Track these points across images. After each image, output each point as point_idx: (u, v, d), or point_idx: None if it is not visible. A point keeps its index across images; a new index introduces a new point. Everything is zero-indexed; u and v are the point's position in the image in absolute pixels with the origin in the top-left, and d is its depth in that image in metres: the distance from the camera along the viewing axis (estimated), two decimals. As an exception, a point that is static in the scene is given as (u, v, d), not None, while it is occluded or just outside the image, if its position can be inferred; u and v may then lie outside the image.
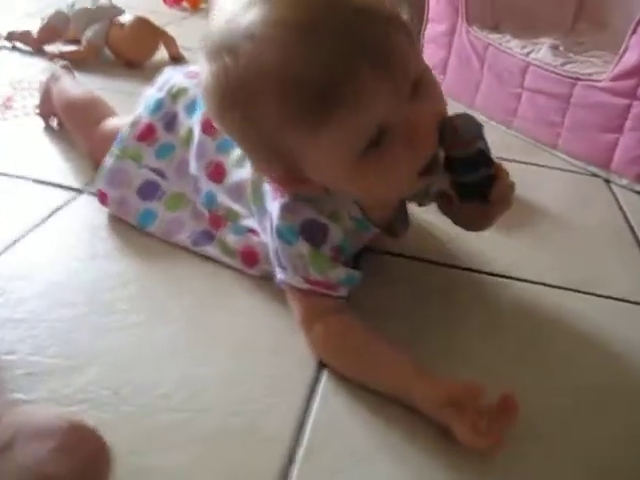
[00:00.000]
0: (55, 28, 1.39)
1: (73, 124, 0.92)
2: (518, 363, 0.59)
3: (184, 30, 1.71)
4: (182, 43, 1.47)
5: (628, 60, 0.95)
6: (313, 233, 0.56)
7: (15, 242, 0.69)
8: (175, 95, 0.74)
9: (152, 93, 0.77)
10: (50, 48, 1.39)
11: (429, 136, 0.50)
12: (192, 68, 0.77)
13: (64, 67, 1.02)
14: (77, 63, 1.30)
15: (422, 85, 0.49)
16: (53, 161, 0.90)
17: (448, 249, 0.76)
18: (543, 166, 1.07)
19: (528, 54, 1.12)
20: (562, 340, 0.63)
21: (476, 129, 0.53)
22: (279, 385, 0.53)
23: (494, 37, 1.20)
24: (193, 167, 0.71)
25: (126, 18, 1.35)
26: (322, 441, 0.48)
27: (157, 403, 0.49)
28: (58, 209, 0.77)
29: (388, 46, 0.46)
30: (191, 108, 0.72)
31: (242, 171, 0.65)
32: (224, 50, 0.47)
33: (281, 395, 0.52)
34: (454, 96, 1.29)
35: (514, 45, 1.16)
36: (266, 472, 0.44)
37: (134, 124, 0.75)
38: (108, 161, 0.74)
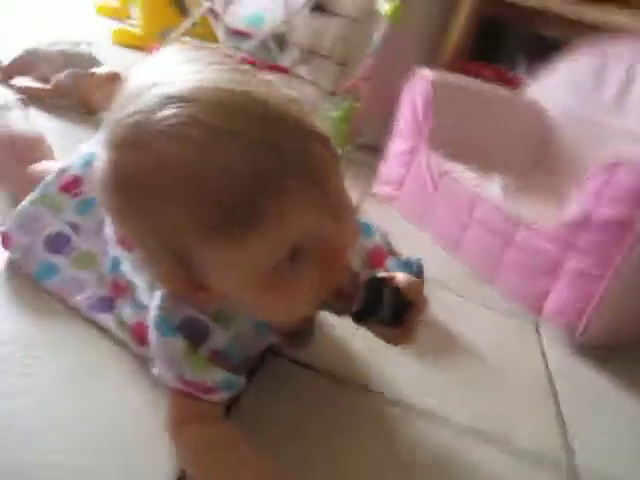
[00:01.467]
0: (27, 62, 1.38)
1: (5, 159, 0.87)
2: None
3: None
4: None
5: (571, 214, 0.97)
6: (192, 332, 0.51)
7: None
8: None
9: (88, 147, 0.73)
10: (17, 81, 1.37)
11: (342, 262, 0.48)
12: None
13: (20, 100, 0.99)
14: (38, 100, 1.29)
15: (343, 207, 0.47)
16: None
17: (360, 367, 0.72)
18: (477, 302, 1.06)
19: (478, 188, 1.15)
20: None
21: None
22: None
23: (449, 165, 1.23)
24: (108, 229, 0.66)
25: (101, 69, 1.35)
26: None
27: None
28: None
29: (314, 161, 0.43)
30: None
31: None
32: (135, 142, 0.42)
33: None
34: (406, 215, 1.31)
35: (467, 176, 1.19)
36: None
37: (61, 173, 0.71)
38: (24, 204, 0.70)
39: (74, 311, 0.64)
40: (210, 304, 0.51)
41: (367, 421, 0.64)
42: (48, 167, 0.76)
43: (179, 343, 0.50)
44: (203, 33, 2.07)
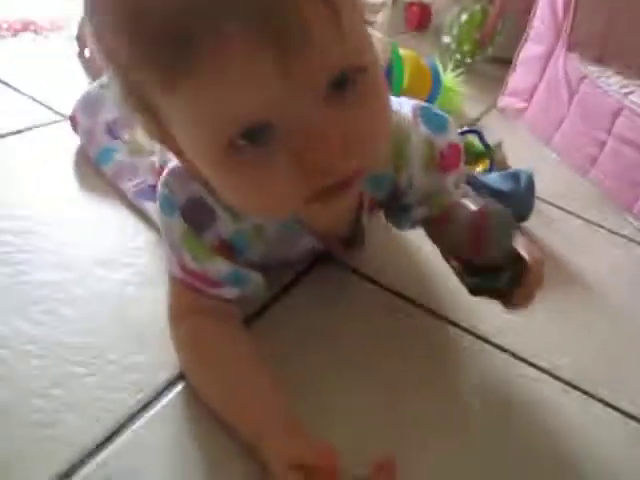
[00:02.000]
0: None
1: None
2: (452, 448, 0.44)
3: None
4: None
5: None
6: (195, 214, 0.44)
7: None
8: None
9: None
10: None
11: (330, 156, 0.34)
12: None
13: None
14: None
15: (352, 87, 0.34)
16: (60, 85, 0.84)
17: (431, 288, 0.62)
18: (608, 230, 0.88)
19: (626, 95, 0.93)
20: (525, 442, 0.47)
21: (509, 231, 0.43)
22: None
23: (593, 69, 1.01)
24: None
25: None
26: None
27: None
28: (34, 127, 0.72)
29: (289, 10, 0.30)
30: None
31: None
32: None
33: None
34: (533, 128, 1.13)
35: (613, 82, 0.97)
36: None
37: None
38: (93, 87, 0.69)
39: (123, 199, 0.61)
40: (194, 174, 0.41)
41: (427, 347, 0.54)
42: None
43: (179, 224, 0.43)
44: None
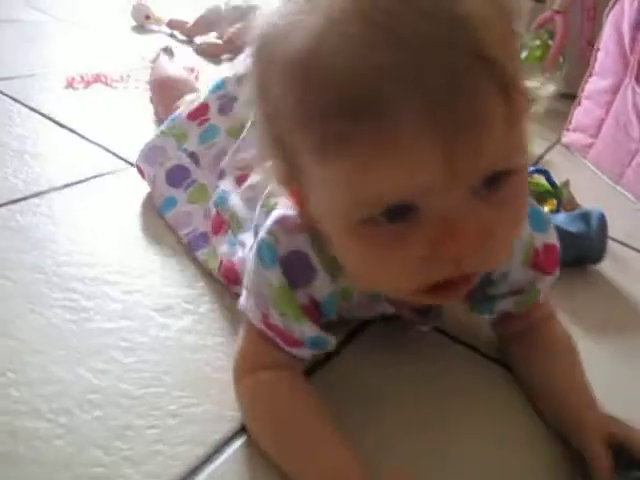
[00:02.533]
0: (207, 21, 1.44)
1: (157, 98, 0.93)
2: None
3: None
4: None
5: None
6: (296, 269, 0.42)
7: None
8: (242, 78, 0.66)
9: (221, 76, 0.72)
10: (201, 39, 1.44)
11: (465, 248, 0.33)
12: None
13: (165, 49, 1.05)
14: (215, 56, 1.33)
15: (501, 186, 0.34)
16: (127, 133, 0.88)
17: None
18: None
19: None
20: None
21: None
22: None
23: (666, 102, 0.97)
24: (226, 161, 0.63)
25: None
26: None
27: (35, 403, 0.41)
28: (101, 175, 0.75)
29: (467, 108, 0.30)
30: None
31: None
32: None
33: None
34: (601, 165, 1.08)
35: (689, 115, 0.92)
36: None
37: (190, 102, 0.71)
38: (153, 137, 0.71)
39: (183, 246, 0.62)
40: (310, 224, 0.41)
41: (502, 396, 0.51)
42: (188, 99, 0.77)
43: (276, 277, 0.42)
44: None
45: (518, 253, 0.46)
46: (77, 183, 0.71)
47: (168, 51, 1.06)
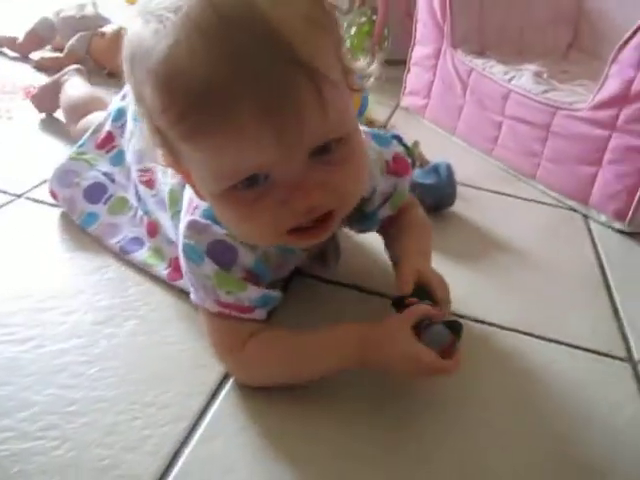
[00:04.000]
0: (40, 35, 1.39)
1: (66, 119, 0.97)
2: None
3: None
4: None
5: (608, 89, 0.90)
6: (220, 254, 0.51)
7: None
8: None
9: (116, 101, 0.78)
10: (37, 54, 1.39)
11: (309, 202, 0.43)
12: None
13: (77, 70, 1.07)
14: (58, 69, 1.30)
15: (335, 150, 0.44)
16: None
17: (387, 276, 0.71)
18: (518, 197, 1.01)
19: (510, 80, 1.08)
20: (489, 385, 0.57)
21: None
22: (159, 417, 0.48)
23: (478, 62, 1.15)
24: (133, 172, 0.70)
25: (109, 28, 1.34)
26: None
27: (18, 426, 0.45)
28: None
29: (289, 97, 0.39)
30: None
31: (168, 179, 0.61)
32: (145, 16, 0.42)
33: (157, 427, 0.46)
34: (437, 121, 1.26)
35: (497, 71, 1.11)
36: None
37: (95, 131, 0.78)
38: (63, 161, 0.76)
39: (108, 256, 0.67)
40: (203, 199, 0.50)
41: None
42: (91, 119, 0.84)
43: (209, 266, 0.50)
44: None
45: (375, 169, 0.59)
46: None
47: (80, 71, 1.07)
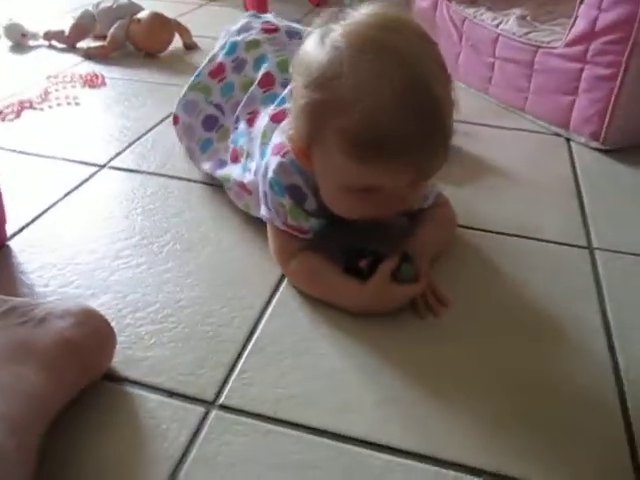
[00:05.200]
0: (83, 27, 1.58)
1: None
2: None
3: (198, 19, 1.88)
4: (196, 32, 1.64)
5: (577, 28, 1.05)
6: (294, 194, 0.71)
7: (49, 208, 0.88)
8: (249, 44, 0.90)
9: (232, 35, 0.93)
10: (81, 44, 1.58)
11: (392, 209, 0.67)
12: (269, 19, 0.96)
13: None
14: (104, 56, 1.50)
15: (423, 185, 0.67)
16: (81, 143, 1.08)
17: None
18: (512, 129, 1.18)
19: (498, 25, 1.23)
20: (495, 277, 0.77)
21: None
22: (239, 305, 0.69)
23: (470, 11, 1.30)
24: (239, 110, 0.85)
25: (143, 14, 1.52)
26: (269, 341, 0.64)
27: (147, 317, 0.67)
28: (84, 182, 0.95)
29: (436, 162, 0.61)
30: (259, 61, 0.88)
31: (264, 120, 0.79)
32: (355, 47, 0.58)
33: (239, 312, 0.68)
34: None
35: (486, 17, 1.26)
36: (220, 364, 0.61)
37: (210, 60, 0.92)
38: (185, 91, 0.92)
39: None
40: (304, 166, 0.69)
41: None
42: None
43: (287, 201, 0.70)
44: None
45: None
46: (66, 196, 0.92)
47: None
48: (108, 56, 1.51)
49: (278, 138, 0.73)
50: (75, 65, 1.47)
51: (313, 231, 0.73)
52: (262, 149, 0.76)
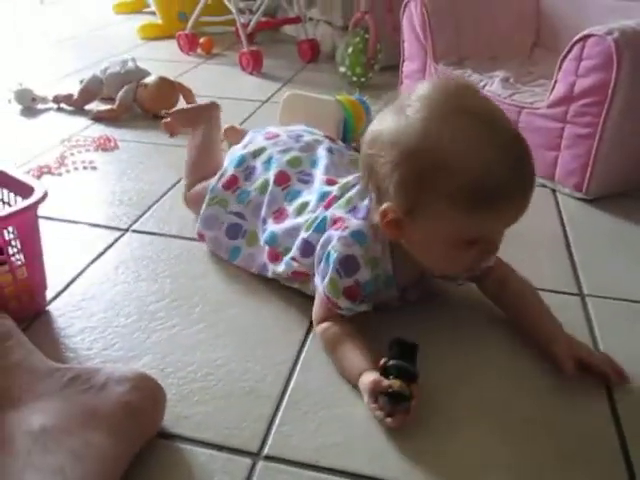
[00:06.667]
0: (91, 91, 1.67)
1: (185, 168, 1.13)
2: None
3: (199, 78, 1.98)
4: (197, 91, 1.73)
5: (558, 91, 1.16)
6: (346, 266, 0.74)
7: (82, 272, 0.94)
8: (254, 153, 0.96)
9: (238, 150, 0.99)
10: (89, 107, 1.66)
11: (495, 252, 0.75)
12: (270, 129, 1.01)
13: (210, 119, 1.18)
14: (113, 119, 1.58)
15: None
16: (102, 207, 1.15)
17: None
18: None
19: (484, 87, 1.33)
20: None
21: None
22: (270, 362, 0.76)
23: (457, 73, 1.41)
24: (264, 211, 0.90)
25: (150, 79, 1.62)
26: (303, 394, 0.71)
27: (188, 376, 0.73)
28: (110, 246, 1.02)
29: (526, 204, 0.68)
30: (267, 164, 0.93)
31: (299, 218, 0.84)
32: (449, 118, 0.64)
33: (271, 368, 0.75)
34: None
35: (473, 79, 1.37)
36: (260, 417, 0.67)
37: (221, 176, 0.96)
38: (203, 208, 0.96)
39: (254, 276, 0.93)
40: (394, 237, 0.72)
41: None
42: (205, 185, 1.01)
43: (333, 274, 0.74)
44: (214, 4, 2.26)
45: None
46: (95, 260, 0.98)
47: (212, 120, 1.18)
48: (117, 119, 1.59)
49: (337, 215, 0.79)
50: (86, 128, 1.55)
51: (346, 312, 0.76)
52: (314, 229, 0.80)
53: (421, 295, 0.85)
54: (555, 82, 1.16)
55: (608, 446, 0.65)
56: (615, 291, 0.91)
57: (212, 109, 1.20)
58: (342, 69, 1.86)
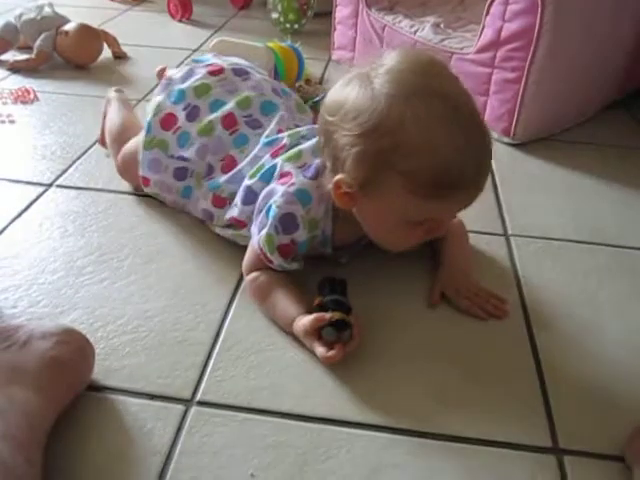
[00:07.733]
0: (6, 39, 1.56)
1: (109, 145, 1.08)
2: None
3: (124, 26, 1.89)
4: (123, 40, 1.65)
5: (485, 36, 1.17)
6: (285, 224, 0.73)
7: (2, 231, 0.90)
8: (198, 89, 0.89)
9: (176, 83, 0.91)
10: (5, 56, 1.56)
11: (438, 235, 0.74)
12: (213, 61, 0.94)
13: (117, 91, 1.15)
14: (31, 69, 1.49)
15: None
16: (22, 162, 1.10)
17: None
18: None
19: (415, 32, 1.33)
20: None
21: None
22: (202, 311, 0.76)
23: (389, 18, 1.40)
24: (209, 157, 0.85)
25: (70, 26, 1.52)
26: (235, 341, 0.71)
27: (118, 329, 0.72)
28: (33, 202, 0.98)
29: (484, 182, 0.67)
30: (214, 105, 0.88)
31: (244, 163, 0.82)
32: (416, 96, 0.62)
33: (203, 317, 0.75)
34: (363, 70, 1.50)
35: (404, 25, 1.37)
36: (193, 365, 0.68)
37: (157, 112, 0.89)
38: (141, 150, 0.90)
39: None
40: (345, 207, 0.71)
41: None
42: (133, 144, 0.96)
43: (270, 230, 0.73)
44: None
45: None
46: (17, 218, 0.94)
47: (118, 92, 1.14)
48: (36, 69, 1.50)
49: (285, 169, 0.77)
50: (2, 79, 1.46)
51: (279, 268, 0.76)
52: (253, 179, 0.79)
53: (353, 257, 0.85)
54: (483, 27, 1.17)
55: (524, 366, 0.69)
56: (537, 230, 0.95)
57: None
58: (274, 15, 1.81)
